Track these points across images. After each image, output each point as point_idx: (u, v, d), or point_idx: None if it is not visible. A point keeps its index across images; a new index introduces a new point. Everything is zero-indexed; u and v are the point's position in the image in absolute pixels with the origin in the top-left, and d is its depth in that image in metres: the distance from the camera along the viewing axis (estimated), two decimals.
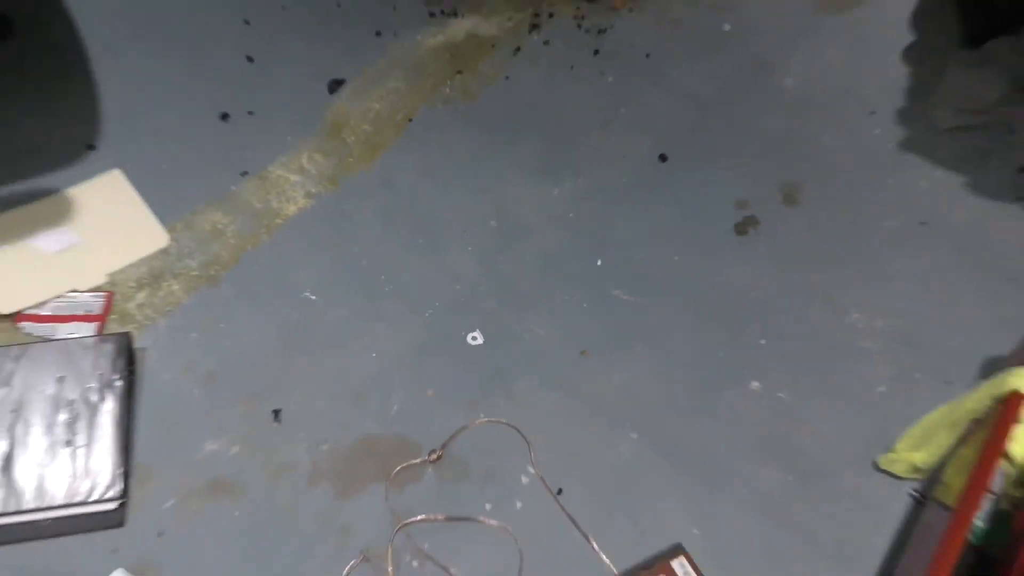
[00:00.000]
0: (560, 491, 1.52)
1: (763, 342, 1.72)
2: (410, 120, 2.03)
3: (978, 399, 1.28)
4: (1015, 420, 1.18)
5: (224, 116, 1.95)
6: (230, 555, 1.41)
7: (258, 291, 1.71)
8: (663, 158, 2.02)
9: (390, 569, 1.40)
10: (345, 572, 1.40)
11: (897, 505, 1.53)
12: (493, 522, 1.47)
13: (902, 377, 1.69)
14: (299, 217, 1.81)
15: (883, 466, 1.55)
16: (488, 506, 1.50)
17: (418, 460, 1.53)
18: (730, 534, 1.48)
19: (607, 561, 1.44)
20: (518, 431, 1.57)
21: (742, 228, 1.90)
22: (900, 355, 1.72)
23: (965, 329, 1.75)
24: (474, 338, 1.70)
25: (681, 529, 1.49)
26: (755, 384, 1.67)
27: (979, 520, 1.25)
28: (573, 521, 1.48)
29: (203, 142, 1.90)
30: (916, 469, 1.49)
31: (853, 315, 1.77)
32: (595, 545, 1.45)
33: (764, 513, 1.51)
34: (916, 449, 1.47)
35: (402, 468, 1.52)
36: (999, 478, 1.20)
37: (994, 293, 1.78)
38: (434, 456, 1.53)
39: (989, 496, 1.24)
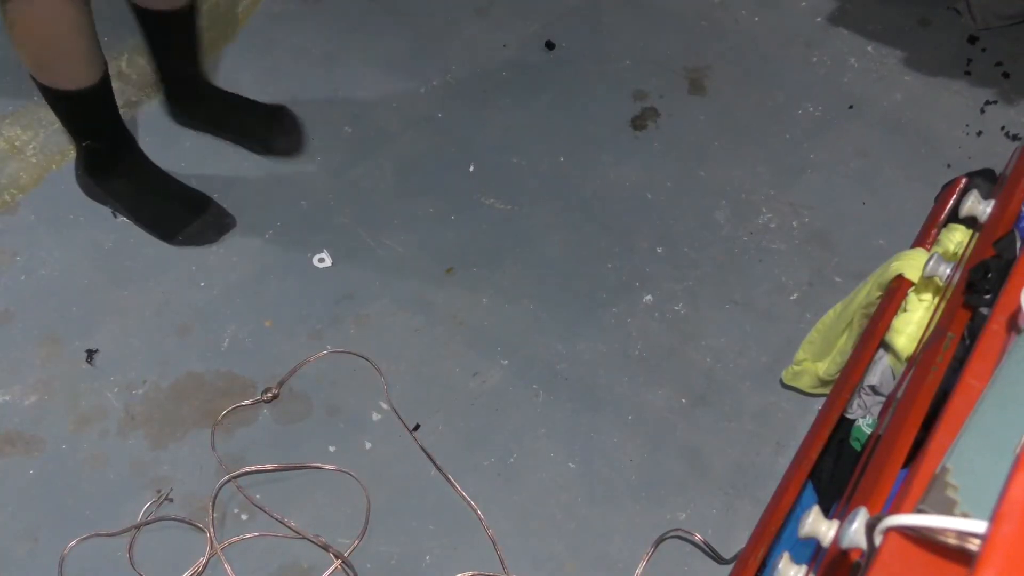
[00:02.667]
0: (417, 427, 1.48)
1: (659, 250, 1.67)
2: (251, 14, 1.95)
3: (868, 290, 1.24)
4: (897, 309, 1.14)
5: None
6: (23, 517, 1.36)
7: (65, 216, 1.64)
8: (550, 46, 1.95)
9: (211, 528, 1.36)
10: (140, 515, 1.36)
11: (804, 424, 1.49)
12: (331, 467, 1.42)
13: (818, 282, 1.65)
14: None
15: (787, 382, 1.51)
16: (332, 448, 1.45)
17: (249, 401, 1.48)
18: (612, 466, 1.44)
19: (471, 502, 1.40)
20: (369, 362, 1.53)
21: (640, 122, 1.84)
22: (817, 257, 1.67)
23: (893, 225, 1.70)
24: (321, 259, 1.63)
25: (556, 462, 1.45)
26: (648, 298, 1.62)
27: (865, 424, 1.22)
28: (430, 458, 1.44)
29: None
30: (822, 382, 1.45)
31: (764, 214, 1.72)
32: (457, 486, 1.42)
33: (652, 441, 1.47)
34: (818, 358, 1.43)
35: (231, 410, 1.47)
36: (881, 374, 1.16)
37: (928, 182, 1.72)
38: (268, 395, 1.48)
39: (877, 397, 1.20)
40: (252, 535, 1.36)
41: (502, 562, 1.35)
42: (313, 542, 1.35)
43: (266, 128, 1.74)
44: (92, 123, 1.54)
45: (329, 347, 1.54)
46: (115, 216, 1.65)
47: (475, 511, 1.39)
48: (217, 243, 1.64)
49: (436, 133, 1.81)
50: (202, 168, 1.73)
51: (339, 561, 1.34)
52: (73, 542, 1.34)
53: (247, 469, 1.41)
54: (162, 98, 1.79)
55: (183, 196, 1.65)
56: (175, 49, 1.66)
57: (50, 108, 1.52)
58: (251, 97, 1.77)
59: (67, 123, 1.55)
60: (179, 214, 1.63)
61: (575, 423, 1.48)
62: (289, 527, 1.37)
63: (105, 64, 1.45)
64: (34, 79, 1.44)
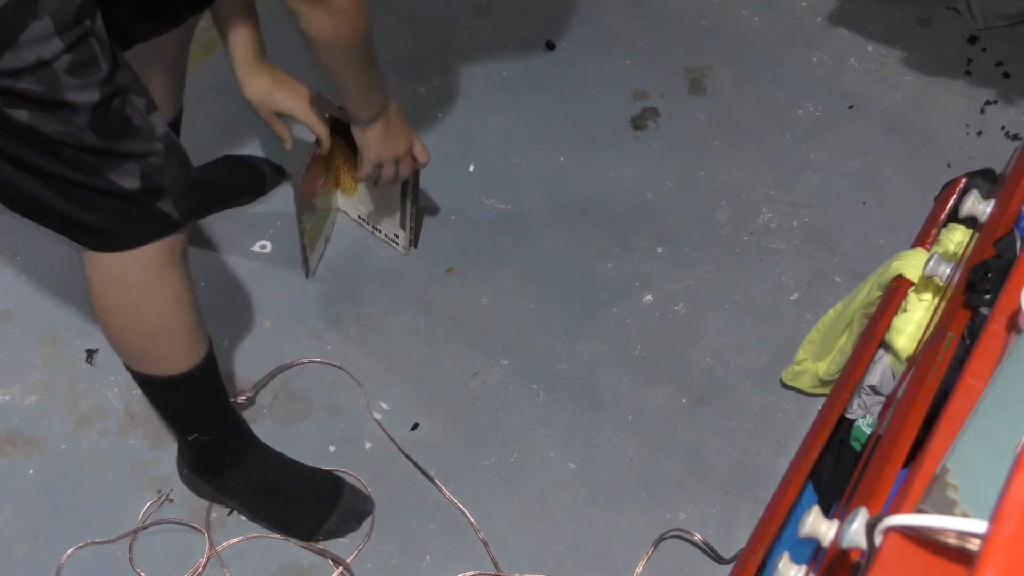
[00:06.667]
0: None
1: (659, 250, 1.67)
2: None
3: (868, 291, 1.24)
4: (897, 309, 1.14)
5: None
6: (23, 517, 1.36)
7: None
8: (550, 45, 1.95)
9: (208, 531, 1.36)
10: (141, 515, 1.36)
11: (804, 424, 1.49)
12: (331, 467, 1.42)
13: (818, 282, 1.65)
14: None
15: (787, 382, 1.51)
16: (332, 448, 1.45)
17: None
18: (612, 466, 1.44)
19: (460, 507, 1.40)
20: (347, 373, 1.51)
21: (640, 122, 1.84)
22: (817, 257, 1.67)
23: (893, 225, 1.70)
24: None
25: (556, 462, 1.45)
26: (648, 298, 1.62)
27: (865, 424, 1.22)
28: (414, 463, 1.43)
29: None
30: (822, 381, 1.45)
31: (765, 214, 1.72)
32: (445, 491, 1.41)
33: (652, 441, 1.47)
34: (818, 358, 1.43)
35: None
36: (881, 374, 1.16)
37: (928, 182, 1.72)
38: (243, 399, 1.46)
39: (877, 397, 1.20)
40: (252, 536, 1.36)
41: (495, 563, 1.35)
42: (310, 549, 1.36)
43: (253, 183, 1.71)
44: (198, 412, 1.30)
45: (329, 345, 1.54)
46: (229, 515, 1.39)
47: (464, 513, 1.39)
48: (216, 245, 1.64)
49: (436, 133, 1.81)
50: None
51: (339, 568, 1.34)
52: (70, 550, 1.33)
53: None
54: None
55: (313, 485, 1.39)
56: None
57: (152, 402, 1.33)
58: None
59: (169, 415, 1.33)
60: (313, 510, 1.37)
61: (575, 423, 1.48)
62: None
63: (209, 339, 1.24)
64: (127, 367, 1.23)
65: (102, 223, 1.04)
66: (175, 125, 1.42)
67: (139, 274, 1.10)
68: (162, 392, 1.26)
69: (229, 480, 1.36)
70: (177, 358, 1.20)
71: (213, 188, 1.66)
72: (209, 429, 1.32)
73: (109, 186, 1.00)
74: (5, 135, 0.94)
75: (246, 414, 1.46)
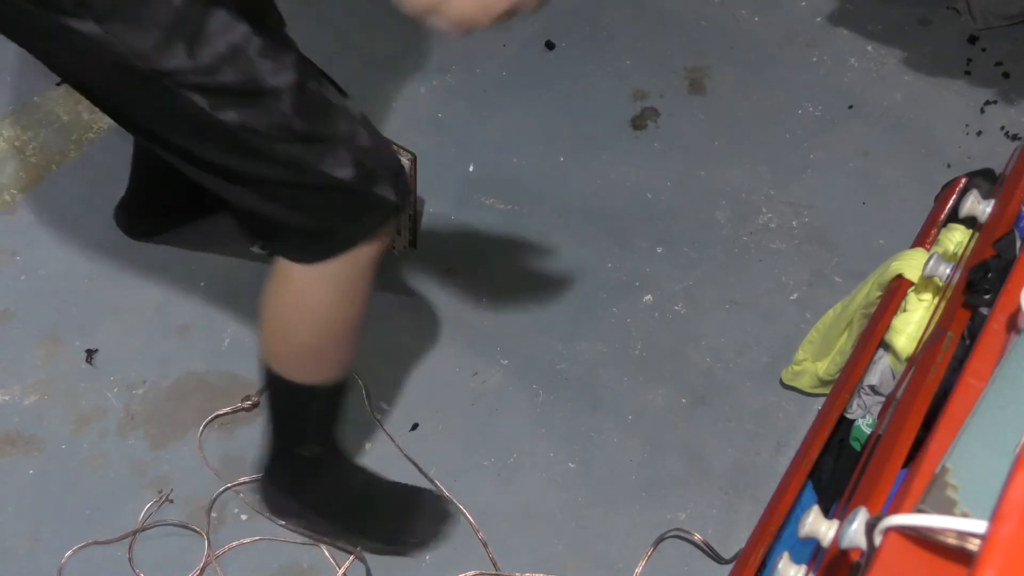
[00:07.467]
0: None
1: (659, 250, 1.67)
2: None
3: (867, 291, 1.24)
4: (897, 309, 1.14)
5: None
6: (23, 517, 1.36)
7: (64, 216, 1.64)
8: (550, 45, 1.94)
9: (208, 532, 1.36)
10: (140, 517, 1.36)
11: (804, 424, 1.49)
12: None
13: (818, 282, 1.65)
14: (117, 129, 1.74)
15: (787, 381, 1.50)
16: None
17: (228, 408, 1.45)
18: (612, 466, 1.44)
19: (460, 507, 1.40)
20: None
21: (640, 122, 1.84)
22: (817, 257, 1.67)
23: (893, 225, 1.70)
24: None
25: (556, 462, 1.45)
26: (648, 298, 1.62)
27: (865, 424, 1.22)
28: (414, 463, 1.43)
29: None
30: (822, 381, 1.45)
31: (765, 214, 1.72)
32: (444, 491, 1.41)
33: (652, 441, 1.47)
34: (818, 358, 1.43)
35: (214, 417, 1.45)
36: (881, 374, 1.16)
37: (927, 182, 1.72)
38: (249, 403, 1.46)
39: (877, 397, 1.20)
40: (253, 538, 1.36)
41: (495, 563, 1.35)
42: (314, 540, 1.36)
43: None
44: (327, 421, 1.23)
45: None
46: (317, 545, 1.35)
47: (464, 513, 1.39)
48: (217, 244, 1.64)
49: (436, 133, 1.81)
50: None
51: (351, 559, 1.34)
52: (70, 551, 1.33)
53: (244, 480, 1.41)
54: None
55: (397, 497, 1.36)
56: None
57: (274, 413, 1.22)
58: None
59: (298, 425, 1.22)
60: (402, 523, 1.34)
61: (575, 423, 1.48)
62: (290, 528, 1.37)
63: None
64: (278, 376, 1.13)
65: (322, 224, 0.96)
66: None
67: (349, 274, 1.01)
68: (314, 401, 1.17)
69: (319, 498, 1.30)
70: (343, 364, 1.14)
71: None
72: (325, 440, 1.25)
73: (326, 180, 0.93)
74: (217, 147, 0.89)
75: (249, 416, 1.46)
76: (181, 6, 0.83)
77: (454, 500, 1.40)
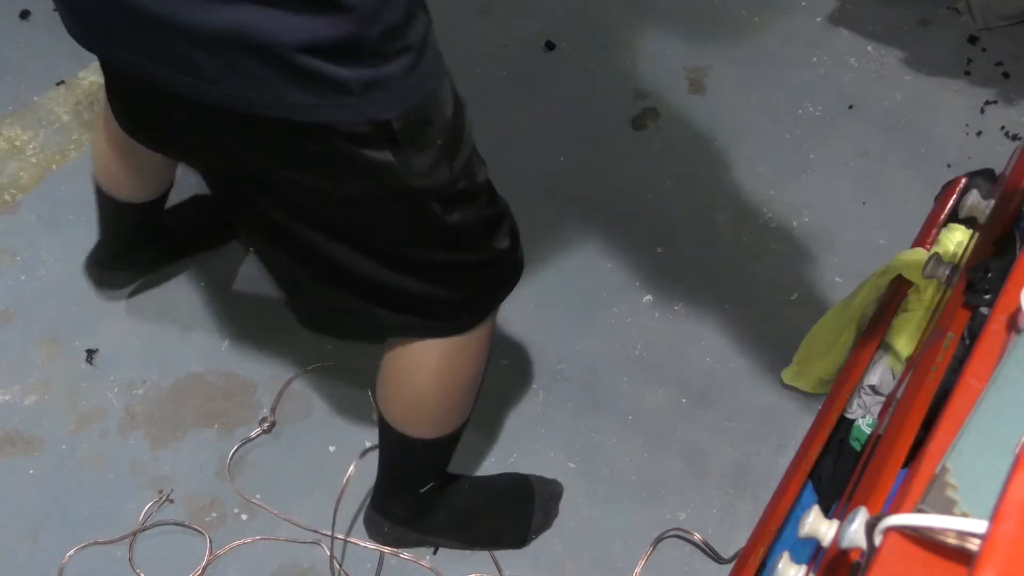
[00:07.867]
0: None
1: (659, 250, 1.67)
2: None
3: (867, 291, 1.24)
4: (897, 309, 1.14)
5: (24, 14, 1.87)
6: (23, 517, 1.37)
7: (65, 216, 1.64)
8: (550, 46, 1.95)
9: (209, 532, 1.36)
10: (141, 517, 1.36)
11: (804, 424, 1.49)
12: (331, 467, 1.42)
13: (819, 282, 1.65)
14: None
15: (787, 382, 1.50)
16: (332, 448, 1.45)
17: (254, 434, 1.44)
18: (612, 466, 1.45)
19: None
20: (346, 372, 1.51)
21: (640, 122, 1.84)
22: (818, 257, 1.67)
23: (893, 225, 1.70)
24: None
25: (556, 462, 1.45)
26: (648, 298, 1.62)
27: (865, 424, 1.22)
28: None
29: None
30: (822, 381, 1.45)
31: (765, 215, 1.72)
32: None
33: (652, 441, 1.47)
34: (818, 358, 1.43)
35: (220, 425, 1.46)
36: (881, 374, 1.16)
37: (928, 182, 1.72)
38: (267, 424, 1.45)
39: (877, 397, 1.20)
40: (254, 537, 1.37)
41: (495, 563, 1.35)
42: (315, 532, 1.36)
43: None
44: (447, 459, 1.26)
45: (330, 345, 1.54)
46: (435, 552, 1.36)
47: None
48: (217, 243, 1.64)
49: None
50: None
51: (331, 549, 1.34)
52: (71, 551, 1.33)
53: (243, 482, 1.41)
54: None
55: (507, 492, 1.38)
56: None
57: (396, 464, 1.25)
58: None
59: (425, 470, 1.25)
60: (517, 517, 1.36)
61: (575, 423, 1.48)
62: (290, 521, 1.37)
63: None
64: (409, 439, 1.16)
65: (480, 294, 0.99)
66: (165, 197, 1.40)
67: (490, 332, 1.05)
68: (441, 448, 1.20)
69: (436, 520, 1.32)
70: (469, 410, 1.16)
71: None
72: (443, 475, 1.28)
73: (494, 253, 0.97)
74: (432, 248, 0.90)
75: (249, 416, 1.46)
76: (451, 119, 0.85)
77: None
